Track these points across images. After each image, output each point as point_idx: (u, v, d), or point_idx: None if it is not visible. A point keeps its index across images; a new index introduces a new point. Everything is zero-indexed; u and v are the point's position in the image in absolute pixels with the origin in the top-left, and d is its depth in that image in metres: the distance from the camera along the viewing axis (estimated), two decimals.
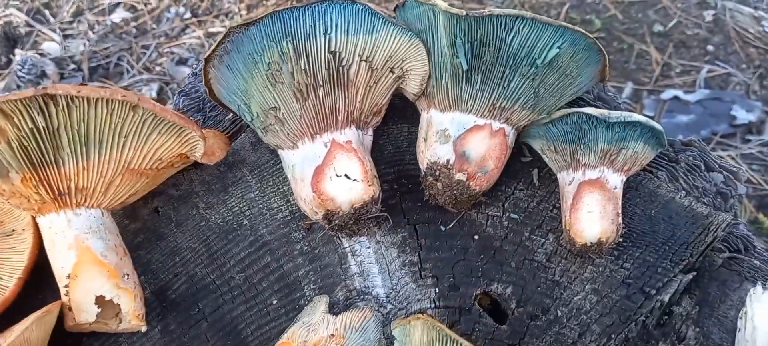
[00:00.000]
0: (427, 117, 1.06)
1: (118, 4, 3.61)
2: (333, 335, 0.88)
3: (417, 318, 0.83)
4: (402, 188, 1.12)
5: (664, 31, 3.50)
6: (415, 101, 1.08)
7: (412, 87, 1.04)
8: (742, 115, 2.88)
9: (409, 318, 0.85)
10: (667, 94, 3.05)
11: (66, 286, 0.94)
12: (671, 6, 3.67)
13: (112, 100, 0.87)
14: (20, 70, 3.37)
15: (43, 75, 3.40)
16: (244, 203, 1.13)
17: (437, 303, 1.04)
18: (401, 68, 1.02)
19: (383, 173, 1.12)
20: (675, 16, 3.59)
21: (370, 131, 1.08)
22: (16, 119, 0.85)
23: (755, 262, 1.12)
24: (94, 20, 3.57)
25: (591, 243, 0.98)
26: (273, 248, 1.09)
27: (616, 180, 0.99)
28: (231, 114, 1.20)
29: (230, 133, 1.21)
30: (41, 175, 0.90)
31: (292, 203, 1.12)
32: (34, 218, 1.03)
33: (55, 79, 3.36)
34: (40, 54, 3.54)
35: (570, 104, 1.05)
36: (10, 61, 3.53)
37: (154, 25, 3.54)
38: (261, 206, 1.13)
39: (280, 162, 1.15)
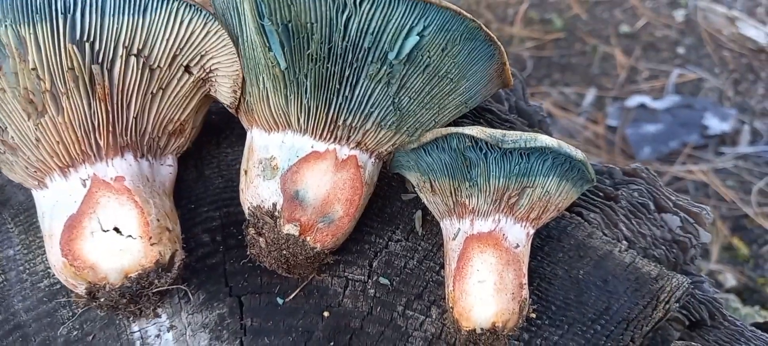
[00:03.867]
0: (248, 140, 0.72)
1: None
2: None
3: None
4: (229, 240, 0.78)
5: (631, 32, 3.21)
6: (237, 116, 0.74)
7: (222, 94, 0.70)
8: (715, 125, 2.59)
9: None
10: (633, 101, 2.76)
11: None
12: (639, 5, 3.40)
13: None
14: None
15: None
16: (3, 264, 0.78)
17: None
18: (202, 67, 0.68)
19: (204, 218, 0.79)
20: (643, 16, 3.31)
21: (170, 160, 0.73)
22: None
23: (722, 337, 0.80)
24: None
25: (482, 329, 0.65)
26: (28, 332, 0.74)
27: (518, 234, 0.66)
28: None
29: None
30: None
31: None
32: None
33: None
34: None
35: (457, 122, 0.72)
36: None
37: None
38: (24, 268, 0.78)
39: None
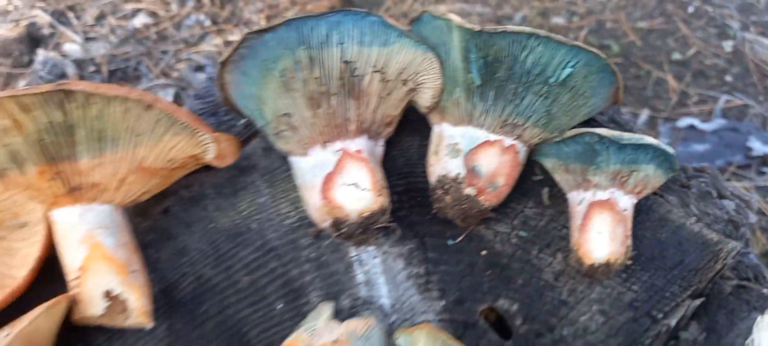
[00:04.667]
0: (438, 130, 1.06)
1: (140, 10, 3.68)
2: (336, 341, 0.87)
3: (421, 328, 0.83)
4: (411, 201, 1.12)
5: (682, 59, 3.48)
6: (428, 115, 1.09)
7: (424, 100, 1.05)
8: (758, 147, 2.85)
9: (413, 328, 0.85)
10: (683, 122, 3.03)
11: (76, 279, 0.96)
12: (691, 35, 3.66)
13: (127, 99, 0.89)
14: (41, 70, 3.44)
15: (64, 75, 3.46)
16: (254, 208, 1.14)
17: (442, 316, 1.03)
18: (414, 81, 1.03)
19: (393, 184, 1.13)
20: (694, 45, 3.57)
21: (382, 142, 1.08)
22: (34, 113, 0.87)
23: (764, 291, 1.10)
24: (116, 24, 3.64)
25: (599, 264, 0.98)
26: (280, 253, 1.10)
27: (626, 202, 0.99)
28: (244, 119, 1.21)
29: (243, 138, 1.22)
30: (56, 169, 0.92)
31: (300, 209, 1.13)
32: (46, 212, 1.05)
33: (75, 79, 3.42)
34: (61, 55, 3.61)
35: (583, 125, 1.05)
36: (31, 61, 3.60)
37: (175, 31, 3.60)
38: (270, 211, 1.13)
39: (291, 169, 1.16)
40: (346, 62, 0.97)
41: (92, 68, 3.47)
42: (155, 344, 1.04)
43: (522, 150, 1.03)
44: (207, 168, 1.16)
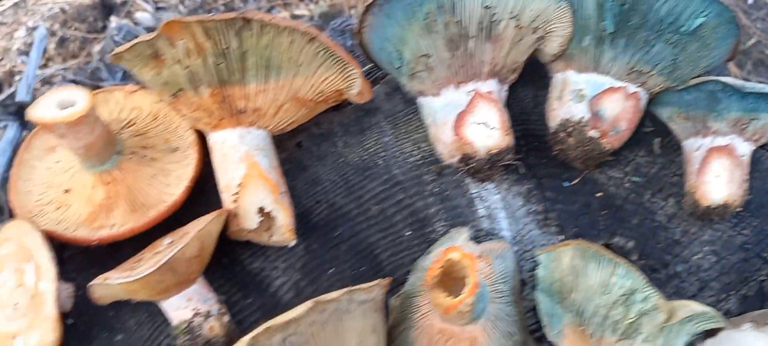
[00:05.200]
0: (562, 77, 1.14)
1: None
2: (481, 255, 0.96)
3: (567, 244, 0.90)
4: (528, 145, 1.20)
5: (742, 48, 3.48)
6: (550, 63, 1.16)
7: (551, 48, 1.12)
8: None
9: (557, 245, 0.93)
10: None
11: (235, 194, 1.06)
12: (751, 25, 3.65)
13: (295, 30, 0.98)
14: (117, 35, 3.59)
15: None
16: (379, 146, 1.23)
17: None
18: (544, 29, 1.10)
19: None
20: (755, 35, 3.56)
21: (506, 87, 1.16)
22: (215, 38, 0.96)
23: None
24: None
25: (716, 206, 1.04)
26: (406, 187, 1.19)
27: (745, 148, 1.05)
28: (368, 66, 1.30)
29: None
30: (227, 92, 1.02)
31: (423, 149, 1.22)
32: (198, 138, 1.16)
33: None
34: (133, 23, 3.76)
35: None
36: (105, 27, 3.75)
37: (241, 4, 3.71)
38: (394, 149, 1.22)
39: (413, 112, 1.25)
40: (486, 7, 1.05)
41: None
42: (294, 262, 1.14)
43: (643, 97, 1.10)
44: (334, 109, 1.25)
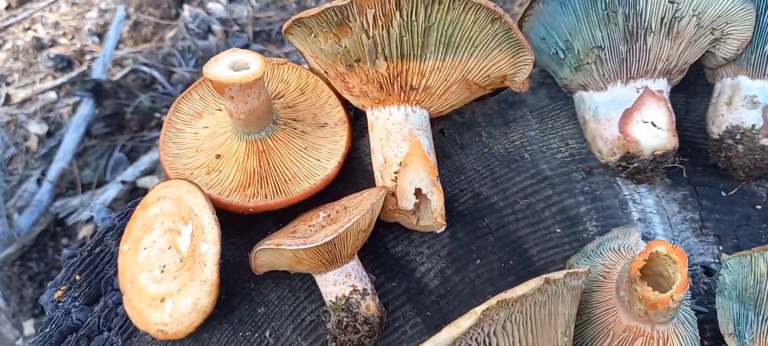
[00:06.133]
0: (731, 83, 1.10)
1: None
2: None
3: (765, 248, 0.86)
4: (681, 152, 1.16)
5: None
6: (718, 67, 1.12)
7: (726, 51, 1.08)
8: None
9: (752, 250, 0.89)
10: None
11: (396, 172, 1.04)
12: None
13: (481, 7, 0.96)
14: (191, 23, 3.63)
15: (210, 30, 3.64)
16: (525, 139, 1.20)
17: (720, 260, 1.07)
18: (722, 30, 1.07)
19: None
20: None
21: (670, 88, 1.13)
22: (405, 10, 0.95)
23: None
24: None
25: None
26: (554, 183, 1.16)
27: None
28: None
29: None
30: (404, 66, 1.00)
31: (571, 146, 1.19)
32: (346, 116, 1.14)
33: (220, 37, 3.59)
34: (206, 12, 3.80)
35: None
36: (177, 14, 3.80)
37: (313, 2, 3.73)
38: (541, 144, 1.20)
39: (560, 108, 1.22)
40: (671, 2, 1.02)
41: (236, 27, 3.63)
42: (439, 249, 1.11)
43: None
44: (477, 100, 1.23)
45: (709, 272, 1.06)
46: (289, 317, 1.06)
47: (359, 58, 0.99)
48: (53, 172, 2.80)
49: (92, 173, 2.90)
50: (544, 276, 0.69)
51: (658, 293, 0.76)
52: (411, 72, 1.00)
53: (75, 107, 3.19)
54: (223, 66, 1.00)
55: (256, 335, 1.04)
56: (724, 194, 1.13)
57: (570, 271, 0.73)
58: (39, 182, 2.90)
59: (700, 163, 1.15)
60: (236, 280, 1.09)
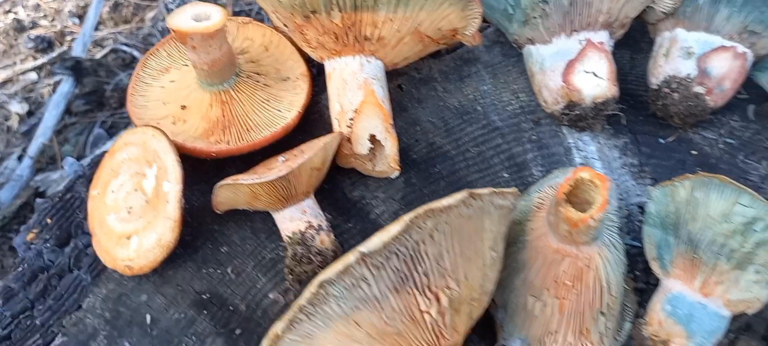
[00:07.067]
0: (670, 36, 1.17)
1: None
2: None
3: (685, 177, 0.93)
4: (624, 103, 1.23)
5: None
6: (658, 22, 1.19)
7: (664, 5, 1.15)
8: None
9: (674, 179, 0.95)
10: None
11: (351, 119, 1.10)
12: None
13: None
14: (170, 4, 3.66)
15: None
16: (478, 93, 1.27)
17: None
18: None
19: None
20: None
21: (612, 42, 1.19)
22: None
23: None
24: None
25: None
26: (504, 133, 1.22)
27: None
28: None
29: None
30: (358, 17, 1.06)
31: (521, 99, 1.25)
32: (308, 71, 1.20)
33: None
34: None
35: None
36: None
37: None
38: (493, 97, 1.26)
39: (512, 64, 1.29)
40: None
41: None
42: (393, 193, 1.17)
43: (750, 59, 1.13)
44: (433, 56, 1.30)
45: (644, 211, 1.14)
46: (250, 256, 1.12)
47: (315, 10, 1.05)
48: (33, 148, 2.83)
49: (72, 149, 2.94)
50: (469, 190, 0.76)
51: (580, 213, 0.83)
52: (364, 23, 1.06)
53: (55, 87, 3.22)
54: (185, 17, 1.06)
55: (219, 271, 1.10)
56: (662, 141, 1.20)
57: (495, 190, 0.79)
58: (20, 158, 2.94)
59: (641, 114, 1.22)
60: (201, 223, 1.15)
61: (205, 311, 1.07)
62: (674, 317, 0.92)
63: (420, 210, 0.72)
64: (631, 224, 1.12)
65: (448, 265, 0.77)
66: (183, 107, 1.17)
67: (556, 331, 0.93)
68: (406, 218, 0.71)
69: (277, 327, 0.74)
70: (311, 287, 0.72)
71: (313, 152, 0.98)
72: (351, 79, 1.10)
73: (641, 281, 1.07)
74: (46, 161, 2.88)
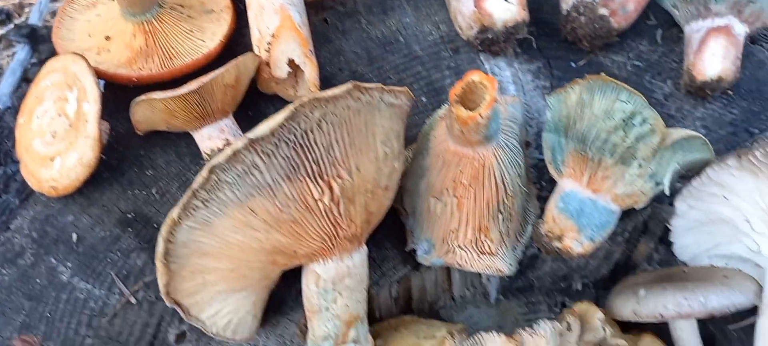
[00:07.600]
0: None
1: None
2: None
3: (576, 82, 0.98)
4: (539, 30, 1.29)
5: None
6: None
7: None
8: None
9: (566, 85, 1.01)
10: None
11: (269, 43, 1.14)
12: None
13: None
14: None
15: None
16: (401, 25, 1.31)
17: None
18: None
19: None
20: None
21: None
22: None
23: None
24: None
25: (711, 79, 1.14)
26: (424, 61, 1.27)
27: (740, 29, 1.14)
28: None
29: None
30: None
31: (441, 30, 1.30)
32: (231, 3, 1.24)
33: None
34: None
35: None
36: None
37: None
38: (415, 28, 1.31)
39: None
40: None
41: None
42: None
43: None
44: None
45: None
46: (175, 178, 1.15)
47: None
48: None
49: None
50: (355, 82, 0.80)
51: (469, 111, 0.88)
52: None
53: (14, 56, 3.20)
54: None
55: (144, 192, 1.14)
56: (573, 64, 1.26)
57: (384, 86, 0.84)
58: None
59: (555, 41, 1.28)
60: (126, 147, 1.18)
61: (130, 229, 1.11)
62: (566, 212, 0.98)
63: (305, 98, 0.76)
64: (538, 140, 1.18)
65: (339, 155, 0.81)
66: (107, 38, 1.20)
67: (457, 229, 0.98)
68: (292, 106, 0.76)
69: (174, 213, 0.78)
70: (203, 172, 0.76)
71: (225, 68, 1.02)
72: (268, 4, 1.14)
73: (547, 191, 1.13)
74: None
